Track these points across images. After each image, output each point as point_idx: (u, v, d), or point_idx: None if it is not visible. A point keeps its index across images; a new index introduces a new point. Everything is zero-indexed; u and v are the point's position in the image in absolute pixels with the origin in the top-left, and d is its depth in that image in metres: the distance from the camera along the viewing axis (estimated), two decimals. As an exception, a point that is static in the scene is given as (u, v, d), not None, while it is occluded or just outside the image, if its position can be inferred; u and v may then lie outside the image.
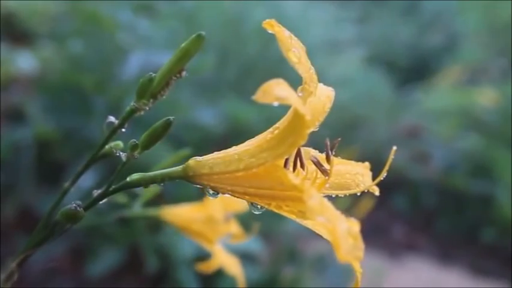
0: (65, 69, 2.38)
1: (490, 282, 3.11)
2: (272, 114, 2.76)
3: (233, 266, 1.31)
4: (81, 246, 2.26)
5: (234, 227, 1.31)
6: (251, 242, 1.98)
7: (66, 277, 2.28)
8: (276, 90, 0.51)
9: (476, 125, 4.22)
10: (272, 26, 0.60)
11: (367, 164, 0.77)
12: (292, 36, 0.61)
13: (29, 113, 2.34)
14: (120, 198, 1.17)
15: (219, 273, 1.44)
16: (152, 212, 1.33)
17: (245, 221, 1.37)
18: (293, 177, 0.58)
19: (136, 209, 1.24)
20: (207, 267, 1.33)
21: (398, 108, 4.41)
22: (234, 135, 2.78)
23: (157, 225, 2.06)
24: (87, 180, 1.90)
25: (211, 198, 0.68)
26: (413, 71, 5.48)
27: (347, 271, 2.61)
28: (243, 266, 1.34)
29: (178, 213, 1.35)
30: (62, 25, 2.67)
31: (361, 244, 0.53)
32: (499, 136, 3.94)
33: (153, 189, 1.15)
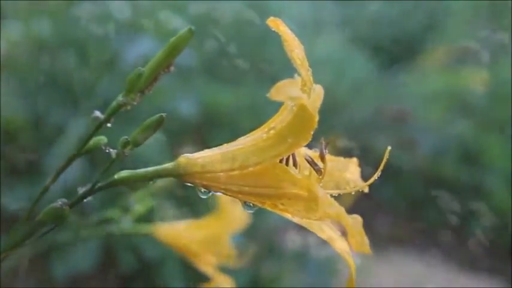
0: (33, 52, 2.39)
1: (481, 277, 3.20)
2: (247, 100, 2.81)
3: None
4: (45, 243, 2.27)
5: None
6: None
7: (29, 276, 2.29)
8: (289, 90, 0.56)
9: (465, 109, 4.29)
10: (277, 25, 0.64)
11: (354, 159, 0.82)
12: (295, 37, 0.65)
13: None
14: (111, 213, 1.18)
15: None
16: (144, 228, 1.32)
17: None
18: (297, 174, 0.62)
19: (127, 224, 1.23)
20: None
21: (383, 91, 4.47)
22: (210, 122, 2.82)
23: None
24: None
25: (202, 196, 0.71)
26: (398, 52, 5.54)
27: (328, 266, 2.67)
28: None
29: (175, 231, 1.33)
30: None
31: (366, 240, 0.59)
32: (490, 121, 4.02)
33: (146, 203, 1.16)
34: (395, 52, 5.52)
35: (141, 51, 2.24)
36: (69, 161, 0.84)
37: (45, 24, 2.47)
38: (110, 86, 2.28)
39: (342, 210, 0.58)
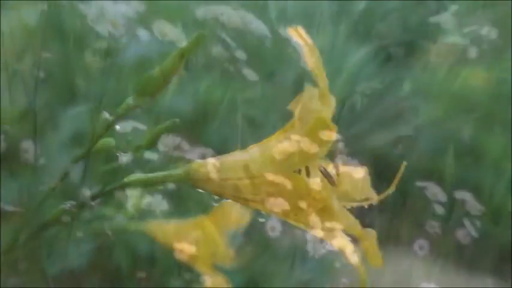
0: (27, 43, 2.38)
1: (481, 278, 3.22)
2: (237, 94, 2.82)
3: None
4: (39, 240, 2.27)
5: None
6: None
7: (23, 274, 2.29)
8: (308, 102, 0.57)
9: (465, 107, 4.29)
10: (299, 36, 0.64)
11: (364, 168, 0.83)
12: (314, 47, 0.65)
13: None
14: (105, 210, 1.18)
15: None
16: (137, 225, 1.32)
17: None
18: (312, 185, 0.64)
19: (120, 222, 1.24)
20: None
21: (382, 87, 4.46)
22: (205, 119, 2.82)
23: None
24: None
25: (214, 204, 0.72)
26: (398, 47, 5.55)
27: (323, 265, 2.69)
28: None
29: (170, 230, 1.32)
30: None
31: (379, 253, 0.60)
32: (490, 120, 4.02)
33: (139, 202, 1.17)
34: (396, 47, 5.52)
35: (140, 50, 2.25)
36: (75, 162, 0.85)
37: (40, 15, 2.47)
38: (103, 82, 2.28)
39: (356, 223, 0.59)
